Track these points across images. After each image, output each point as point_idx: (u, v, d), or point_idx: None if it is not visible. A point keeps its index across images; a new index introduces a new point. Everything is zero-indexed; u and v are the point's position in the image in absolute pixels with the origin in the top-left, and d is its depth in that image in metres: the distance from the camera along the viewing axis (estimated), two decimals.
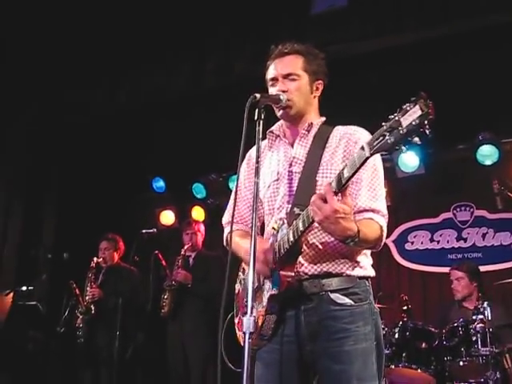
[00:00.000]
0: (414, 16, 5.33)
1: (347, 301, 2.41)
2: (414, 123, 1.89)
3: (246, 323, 2.07)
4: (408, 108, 1.92)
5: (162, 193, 7.79)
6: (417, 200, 6.93)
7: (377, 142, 2.01)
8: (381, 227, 2.42)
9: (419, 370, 4.81)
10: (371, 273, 2.55)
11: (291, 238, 2.32)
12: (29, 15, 6.24)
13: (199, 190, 7.58)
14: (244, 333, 2.06)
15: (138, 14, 6.21)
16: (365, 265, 2.52)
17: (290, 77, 2.57)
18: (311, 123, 2.62)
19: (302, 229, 2.28)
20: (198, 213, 7.63)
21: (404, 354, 4.87)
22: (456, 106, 5.82)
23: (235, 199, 2.50)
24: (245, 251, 2.49)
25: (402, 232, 7.02)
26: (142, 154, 7.24)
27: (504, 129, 6.12)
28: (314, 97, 2.66)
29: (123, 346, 5.97)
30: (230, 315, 2.65)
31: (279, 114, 2.59)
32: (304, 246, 2.41)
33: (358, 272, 2.48)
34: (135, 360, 6.40)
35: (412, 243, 7.00)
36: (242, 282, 2.66)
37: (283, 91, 2.54)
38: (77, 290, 6.16)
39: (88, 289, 6.17)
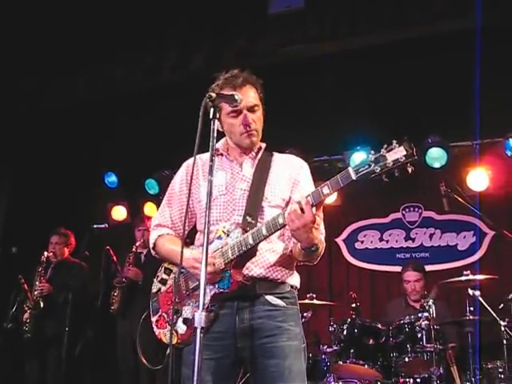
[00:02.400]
0: (367, 19, 5.44)
1: (280, 302, 2.60)
2: (400, 160, 2.28)
3: (198, 318, 2.12)
4: (393, 147, 2.29)
5: (115, 188, 7.71)
6: (367, 200, 7.06)
7: (363, 168, 2.33)
8: (323, 244, 2.64)
9: (366, 366, 4.92)
10: (298, 284, 2.76)
11: (251, 242, 2.49)
12: None
13: (152, 186, 7.52)
14: (195, 328, 2.12)
15: (99, 4, 6.12)
16: (295, 276, 2.74)
17: (253, 108, 2.72)
18: (261, 147, 2.83)
19: (265, 233, 2.47)
20: (150, 209, 7.57)
21: (352, 351, 4.97)
22: (407, 109, 5.97)
23: (168, 204, 2.68)
24: (185, 260, 2.52)
25: (352, 231, 7.15)
26: (95, 148, 7.16)
27: (452, 132, 6.28)
28: None
29: (72, 341, 5.91)
30: (144, 314, 2.71)
31: (245, 142, 2.74)
32: (255, 251, 2.56)
33: (290, 281, 2.69)
34: (84, 356, 6.33)
35: (362, 242, 7.14)
36: (169, 281, 2.75)
37: (251, 129, 2.71)
38: (25, 285, 6.06)
39: (37, 283, 6.08)
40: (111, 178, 7.66)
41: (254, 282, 2.57)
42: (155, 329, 2.73)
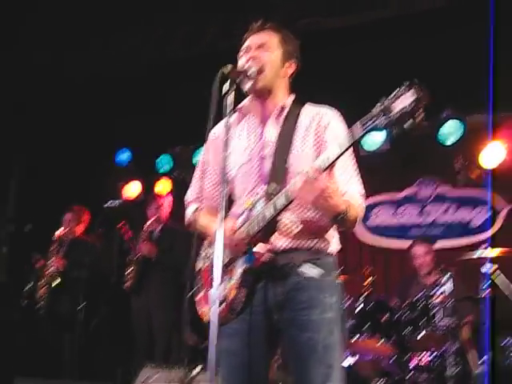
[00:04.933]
0: None
1: (314, 273, 2.47)
2: (407, 108, 2.04)
3: (213, 295, 2.09)
4: (401, 93, 2.06)
5: (128, 165, 7.71)
6: (380, 175, 6.97)
7: (370, 122, 2.12)
8: (360, 205, 2.49)
9: (381, 342, 4.92)
10: (338, 247, 2.60)
11: (271, 212, 2.37)
12: None
13: (165, 163, 7.53)
14: (213, 305, 2.08)
15: None
16: (333, 240, 2.57)
17: (263, 46, 2.56)
18: (283, 106, 2.60)
19: (285, 202, 2.33)
20: (163, 186, 7.57)
21: (366, 326, 4.97)
22: (422, 83, 5.88)
23: (200, 176, 2.49)
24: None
25: (366, 207, 7.04)
26: (109, 125, 7.13)
27: (468, 105, 6.19)
28: (284, 76, 2.64)
29: (87, 318, 5.96)
30: (191, 292, 2.66)
31: (247, 85, 2.54)
32: (280, 222, 2.45)
33: (325, 246, 2.53)
34: (99, 332, 6.39)
35: (375, 218, 7.09)
36: (210, 258, 2.63)
37: (253, 58, 2.52)
38: (40, 262, 6.10)
39: (52, 260, 6.11)
40: (124, 155, 7.66)
41: (284, 254, 2.46)
42: (199, 307, 2.62)
